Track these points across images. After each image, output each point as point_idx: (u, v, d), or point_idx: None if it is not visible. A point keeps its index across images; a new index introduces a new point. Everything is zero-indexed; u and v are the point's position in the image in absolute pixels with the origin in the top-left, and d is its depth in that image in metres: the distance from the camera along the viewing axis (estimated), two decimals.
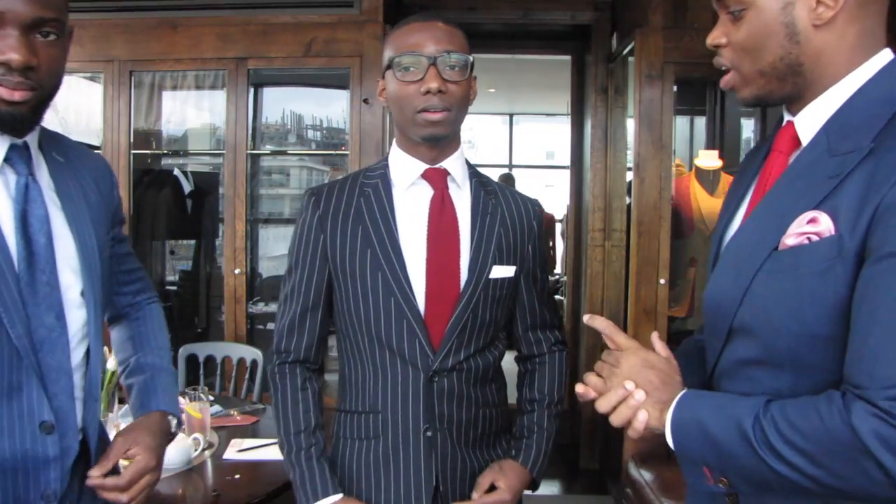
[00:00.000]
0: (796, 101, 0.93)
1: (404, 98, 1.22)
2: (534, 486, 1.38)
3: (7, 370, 1.01)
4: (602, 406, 0.96)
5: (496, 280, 1.30)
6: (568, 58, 4.36)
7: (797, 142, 0.93)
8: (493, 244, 1.30)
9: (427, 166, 1.29)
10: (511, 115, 9.01)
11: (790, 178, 0.89)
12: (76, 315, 1.10)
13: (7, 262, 1.00)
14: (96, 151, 1.22)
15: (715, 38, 0.94)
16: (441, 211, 1.29)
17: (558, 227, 7.37)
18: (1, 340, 1.00)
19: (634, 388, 0.94)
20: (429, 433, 1.28)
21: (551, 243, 7.66)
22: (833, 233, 0.81)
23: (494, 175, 7.30)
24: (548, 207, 7.67)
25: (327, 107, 4.06)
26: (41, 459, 1.05)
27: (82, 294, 1.11)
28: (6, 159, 1.04)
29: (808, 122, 0.91)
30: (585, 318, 1.04)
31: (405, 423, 1.28)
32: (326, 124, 4.16)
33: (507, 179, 7.05)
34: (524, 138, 9.45)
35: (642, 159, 3.09)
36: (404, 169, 1.30)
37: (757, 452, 0.81)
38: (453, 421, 1.29)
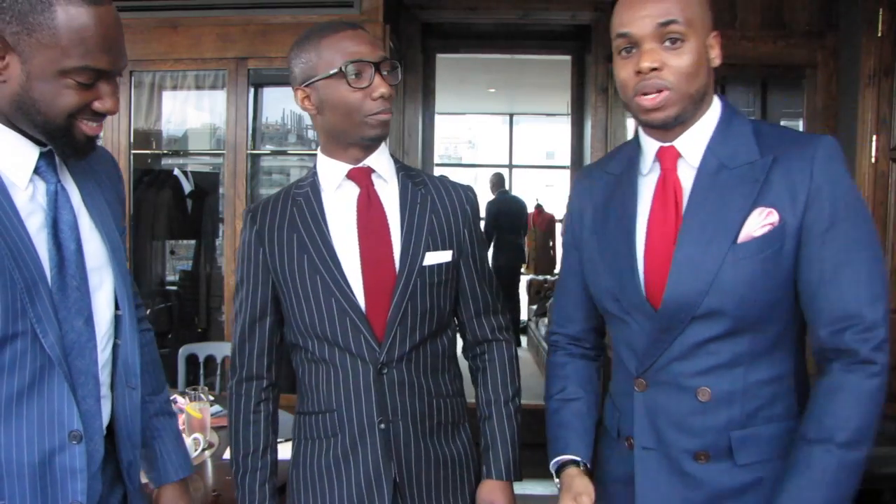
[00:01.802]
0: (679, 126, 1.11)
1: (354, 103, 1.25)
2: (518, 477, 1.39)
3: (38, 378, 1.02)
4: None
5: (432, 266, 1.32)
6: (568, 58, 4.36)
7: (677, 160, 1.13)
8: (425, 231, 1.32)
9: (350, 166, 1.32)
10: (511, 115, 8.99)
11: (705, 190, 1.09)
12: (104, 316, 1.12)
13: (40, 272, 1.02)
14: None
15: (655, 61, 1.06)
16: (368, 207, 1.32)
17: (558, 228, 7.37)
18: (34, 349, 1.01)
19: None
20: (382, 426, 1.29)
21: (551, 243, 7.66)
22: (779, 220, 1.05)
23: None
24: (548, 207, 7.71)
25: None
26: (68, 469, 1.04)
27: (114, 292, 1.13)
28: (36, 168, 1.06)
29: (691, 144, 1.12)
30: None
31: (360, 419, 1.29)
32: None
33: (498, 179, 6.99)
34: (524, 138, 9.45)
35: None
36: (330, 173, 1.33)
37: None
38: (407, 412, 1.31)
